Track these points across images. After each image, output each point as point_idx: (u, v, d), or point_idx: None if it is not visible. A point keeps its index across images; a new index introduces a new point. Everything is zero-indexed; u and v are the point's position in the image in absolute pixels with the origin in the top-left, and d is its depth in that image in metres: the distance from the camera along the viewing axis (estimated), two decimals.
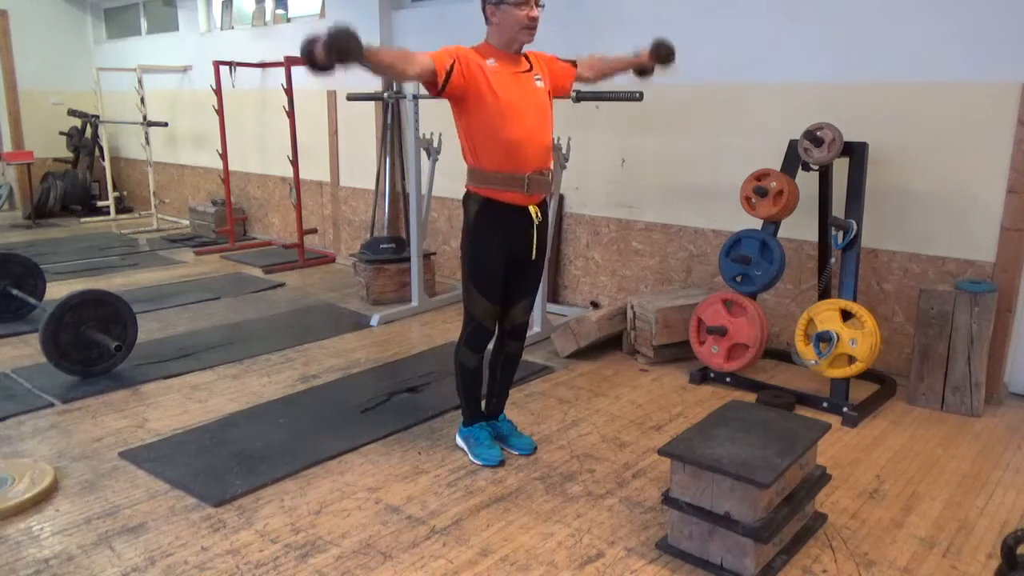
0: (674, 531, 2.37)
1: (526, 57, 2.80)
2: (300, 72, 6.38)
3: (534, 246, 2.87)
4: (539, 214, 2.84)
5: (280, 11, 7.39)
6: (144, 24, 9.15)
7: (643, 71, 3.23)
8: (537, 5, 2.66)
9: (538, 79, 2.79)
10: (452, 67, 2.59)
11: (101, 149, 8.99)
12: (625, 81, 3.45)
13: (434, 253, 5.68)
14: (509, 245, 2.81)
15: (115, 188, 9.10)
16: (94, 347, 3.83)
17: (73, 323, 3.77)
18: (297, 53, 2.39)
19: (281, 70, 6.31)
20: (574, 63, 3.03)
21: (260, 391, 3.72)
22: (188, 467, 2.92)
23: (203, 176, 8.49)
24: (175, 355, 4.21)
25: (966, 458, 3.05)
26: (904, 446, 3.16)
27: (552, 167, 2.91)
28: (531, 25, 2.66)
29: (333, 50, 2.26)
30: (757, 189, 3.69)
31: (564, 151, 4.39)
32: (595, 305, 5.07)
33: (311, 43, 2.30)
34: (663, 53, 3.16)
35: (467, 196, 2.82)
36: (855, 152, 3.61)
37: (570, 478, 2.88)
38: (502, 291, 2.87)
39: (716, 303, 3.78)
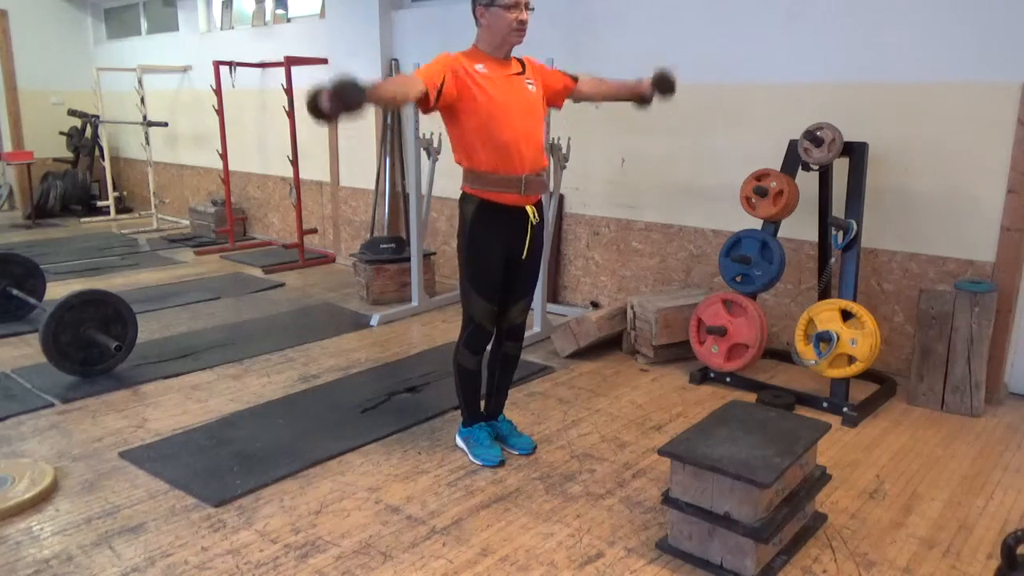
0: (674, 531, 2.37)
1: (520, 61, 2.82)
2: (300, 72, 6.41)
3: (531, 246, 2.87)
4: (536, 214, 2.85)
5: (280, 11, 7.39)
6: (144, 24, 9.14)
7: (643, 100, 3.12)
8: (527, 8, 2.68)
9: (530, 83, 2.80)
10: (443, 82, 2.60)
11: (101, 149, 8.98)
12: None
13: (434, 253, 5.68)
14: (507, 246, 2.82)
15: (115, 188, 9.09)
16: (94, 347, 3.83)
17: (73, 323, 3.77)
18: (304, 94, 2.39)
19: (281, 70, 6.31)
20: (575, 78, 3.00)
21: (260, 391, 3.72)
22: (188, 467, 2.92)
23: (203, 176, 8.49)
24: (175, 355, 4.21)
25: (966, 458, 3.05)
26: (904, 446, 3.16)
27: (548, 167, 2.91)
28: (520, 28, 2.68)
29: (339, 101, 2.29)
30: (757, 189, 3.69)
31: (564, 151, 4.39)
32: (595, 305, 5.07)
33: (316, 95, 2.30)
34: (665, 85, 3.07)
35: (463, 197, 2.82)
36: (855, 152, 3.61)
37: (570, 478, 2.88)
38: (501, 292, 2.87)
39: (716, 303, 3.78)
